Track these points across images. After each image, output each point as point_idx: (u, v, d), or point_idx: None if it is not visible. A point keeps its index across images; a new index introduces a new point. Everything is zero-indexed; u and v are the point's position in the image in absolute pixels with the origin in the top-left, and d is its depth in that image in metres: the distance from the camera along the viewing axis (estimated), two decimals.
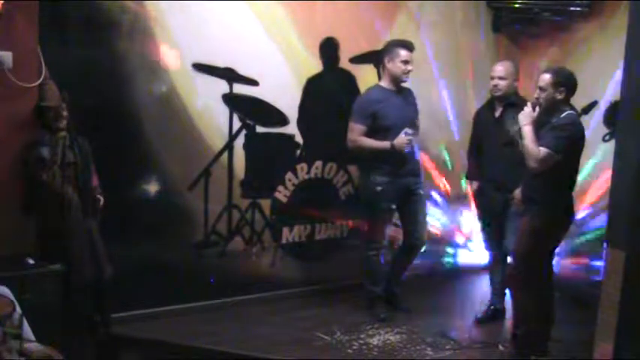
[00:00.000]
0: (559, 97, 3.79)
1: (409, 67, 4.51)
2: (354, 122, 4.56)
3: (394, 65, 4.51)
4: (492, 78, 4.49)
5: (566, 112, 3.79)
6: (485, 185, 4.64)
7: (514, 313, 4.14)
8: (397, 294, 4.92)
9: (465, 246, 5.95)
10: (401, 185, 4.61)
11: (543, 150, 3.71)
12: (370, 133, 4.53)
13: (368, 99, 4.60)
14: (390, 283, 4.88)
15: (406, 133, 4.45)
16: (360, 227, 5.04)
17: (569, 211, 3.95)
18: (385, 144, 4.48)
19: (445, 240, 5.85)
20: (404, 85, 4.62)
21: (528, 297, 3.98)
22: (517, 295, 4.08)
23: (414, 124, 4.60)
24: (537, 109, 3.81)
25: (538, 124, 3.81)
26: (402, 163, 4.55)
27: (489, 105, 4.64)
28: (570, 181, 3.92)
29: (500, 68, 4.51)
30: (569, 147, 3.75)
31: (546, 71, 3.88)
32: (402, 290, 4.98)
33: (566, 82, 3.80)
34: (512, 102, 4.40)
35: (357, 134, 4.55)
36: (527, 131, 3.78)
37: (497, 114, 4.53)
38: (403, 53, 4.49)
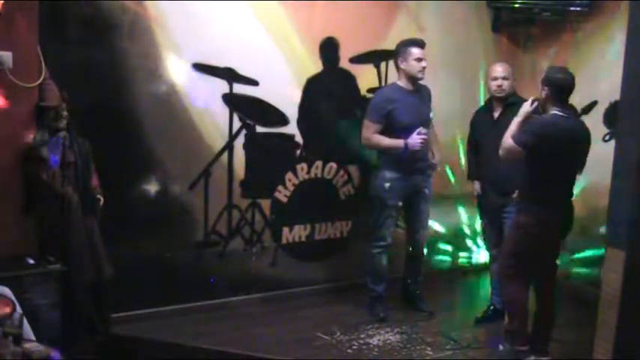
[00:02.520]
0: (543, 95, 3.81)
1: (423, 64, 4.53)
2: (369, 120, 4.58)
3: (408, 65, 4.52)
4: (495, 79, 4.49)
5: (551, 112, 3.80)
6: (484, 185, 4.64)
7: (504, 309, 4.16)
8: (416, 294, 4.92)
9: (466, 246, 5.96)
10: (409, 183, 4.63)
11: (508, 141, 3.78)
12: (385, 132, 4.55)
13: (384, 97, 4.61)
14: (406, 283, 4.93)
15: (419, 133, 4.46)
16: (365, 225, 5.02)
17: (560, 213, 3.90)
18: (399, 142, 4.49)
19: (447, 240, 5.86)
20: (421, 82, 4.63)
21: (517, 294, 3.97)
22: (504, 291, 4.11)
23: (428, 124, 4.63)
24: (534, 105, 3.86)
25: None
26: (412, 161, 4.57)
27: (487, 106, 4.64)
28: (557, 181, 3.87)
29: (501, 69, 4.51)
30: (536, 144, 3.73)
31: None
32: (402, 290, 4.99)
33: (549, 81, 3.81)
34: (512, 102, 4.41)
35: (371, 132, 4.57)
36: (513, 123, 3.84)
37: (495, 115, 4.53)
38: (415, 51, 4.51)
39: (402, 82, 4.61)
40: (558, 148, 3.78)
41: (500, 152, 3.85)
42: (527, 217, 3.87)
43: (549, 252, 4.04)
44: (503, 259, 4.07)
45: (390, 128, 4.54)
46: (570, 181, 3.95)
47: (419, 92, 4.64)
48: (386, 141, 4.55)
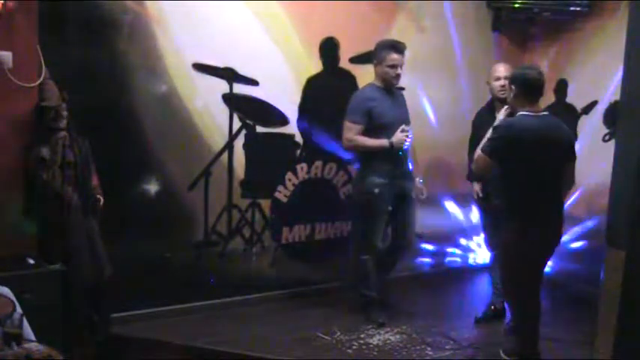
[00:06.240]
0: (511, 95, 3.69)
1: (397, 71, 4.46)
2: (351, 121, 4.50)
3: (382, 69, 4.48)
4: (498, 79, 4.42)
5: (519, 113, 3.63)
6: (487, 187, 4.61)
7: (515, 330, 4.12)
8: (376, 300, 4.72)
9: (466, 246, 5.96)
10: (397, 187, 4.55)
11: (477, 152, 3.67)
12: (366, 132, 4.49)
13: (364, 97, 4.54)
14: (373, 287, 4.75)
15: (403, 130, 4.43)
16: (355, 230, 4.99)
17: (544, 224, 3.65)
18: (384, 142, 4.44)
19: (447, 240, 5.86)
20: (396, 86, 4.61)
21: (529, 312, 3.82)
22: (517, 317, 3.92)
23: (408, 124, 4.57)
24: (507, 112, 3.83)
25: None
26: (399, 164, 4.52)
27: (490, 107, 4.60)
28: (533, 189, 3.60)
29: (503, 68, 4.45)
30: (502, 149, 3.57)
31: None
32: (402, 290, 4.97)
33: (516, 80, 3.65)
34: None
35: (354, 133, 4.48)
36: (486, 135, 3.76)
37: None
38: (390, 57, 4.44)
39: (378, 83, 4.55)
40: (528, 151, 3.53)
41: (472, 166, 3.67)
42: (509, 233, 3.68)
43: (541, 268, 3.80)
44: (504, 283, 3.93)
45: (371, 128, 4.46)
46: (552, 188, 3.66)
47: (394, 94, 4.59)
48: (370, 141, 4.46)
